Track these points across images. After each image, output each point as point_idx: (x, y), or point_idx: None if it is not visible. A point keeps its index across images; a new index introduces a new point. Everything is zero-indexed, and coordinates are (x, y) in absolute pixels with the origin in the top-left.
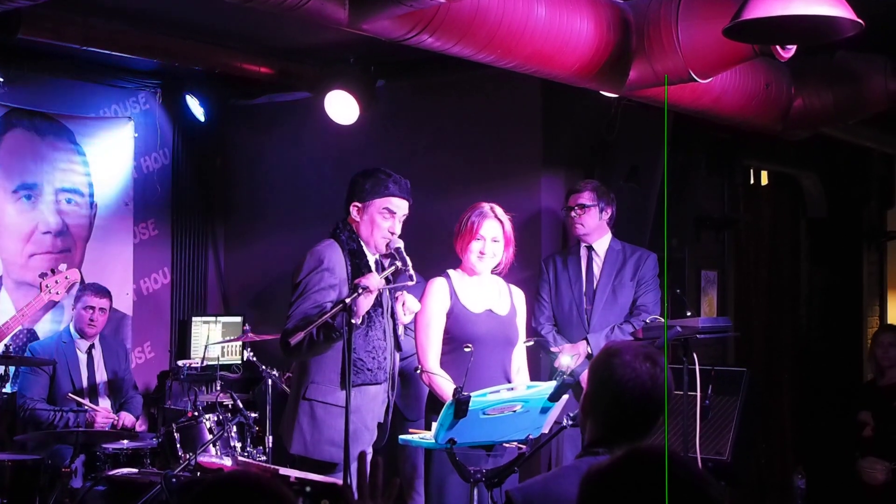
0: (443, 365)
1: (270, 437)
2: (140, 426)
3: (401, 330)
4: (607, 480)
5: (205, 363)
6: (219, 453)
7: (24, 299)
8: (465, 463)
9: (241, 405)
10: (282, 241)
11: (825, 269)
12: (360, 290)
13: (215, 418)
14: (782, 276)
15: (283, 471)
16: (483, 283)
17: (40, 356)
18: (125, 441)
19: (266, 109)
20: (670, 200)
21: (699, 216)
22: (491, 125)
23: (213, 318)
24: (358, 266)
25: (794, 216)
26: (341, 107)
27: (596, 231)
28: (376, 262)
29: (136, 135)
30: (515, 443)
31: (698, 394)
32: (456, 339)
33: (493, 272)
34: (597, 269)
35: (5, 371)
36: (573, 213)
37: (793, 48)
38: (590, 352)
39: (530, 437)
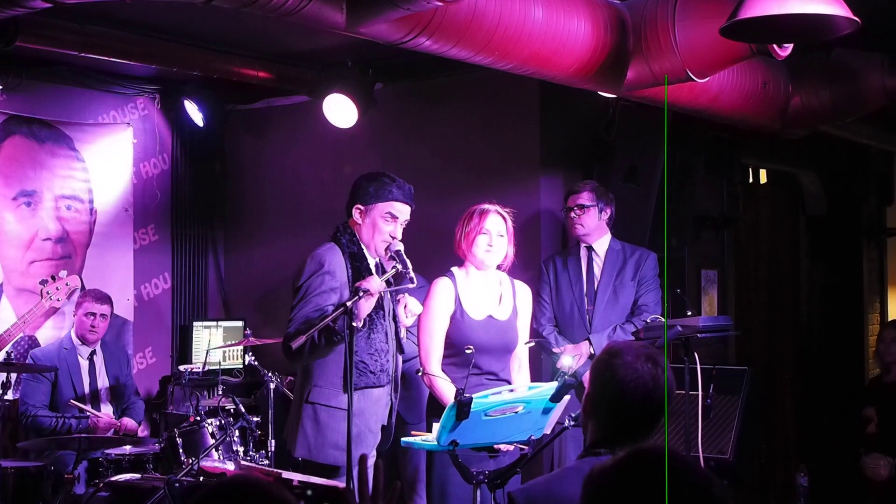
0: (444, 369)
1: (273, 441)
2: (142, 431)
3: (403, 332)
4: (611, 481)
5: (206, 368)
6: (221, 458)
7: (24, 306)
8: (466, 465)
9: (243, 409)
10: (281, 244)
11: (825, 266)
12: (361, 293)
13: (217, 423)
14: (782, 275)
15: (286, 474)
16: (489, 282)
17: (42, 363)
18: (128, 447)
19: (264, 114)
20: (670, 200)
21: (698, 215)
22: (489, 127)
23: (213, 323)
24: (359, 269)
25: (794, 214)
26: (340, 110)
27: (595, 231)
28: (377, 265)
29: (135, 141)
30: (517, 444)
31: (700, 393)
32: (455, 344)
33: (497, 268)
34: (597, 270)
35: (7, 378)
36: (572, 214)
37: (790, 47)
38: (592, 352)
39: (532, 437)
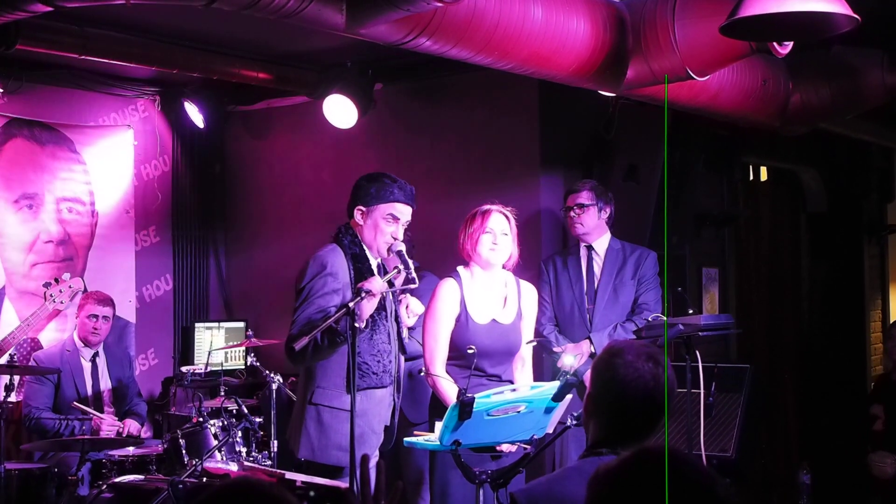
0: (447, 370)
1: (275, 442)
2: (145, 433)
3: (405, 333)
4: (616, 481)
5: (208, 369)
6: (224, 459)
7: (27, 309)
8: (469, 464)
9: (245, 410)
10: (283, 244)
11: (826, 263)
12: (363, 294)
13: (220, 424)
14: (783, 272)
15: (289, 475)
16: (494, 282)
17: (45, 365)
18: (131, 448)
19: (265, 115)
20: (670, 198)
21: (699, 213)
22: (489, 127)
23: (215, 324)
24: (360, 270)
25: (794, 211)
26: (340, 111)
27: (595, 230)
28: (379, 265)
29: (136, 142)
30: (519, 444)
31: (702, 391)
32: (459, 347)
33: (503, 268)
34: (597, 269)
35: (10, 380)
36: (572, 213)
37: (790, 44)
38: (593, 351)
39: (535, 437)
